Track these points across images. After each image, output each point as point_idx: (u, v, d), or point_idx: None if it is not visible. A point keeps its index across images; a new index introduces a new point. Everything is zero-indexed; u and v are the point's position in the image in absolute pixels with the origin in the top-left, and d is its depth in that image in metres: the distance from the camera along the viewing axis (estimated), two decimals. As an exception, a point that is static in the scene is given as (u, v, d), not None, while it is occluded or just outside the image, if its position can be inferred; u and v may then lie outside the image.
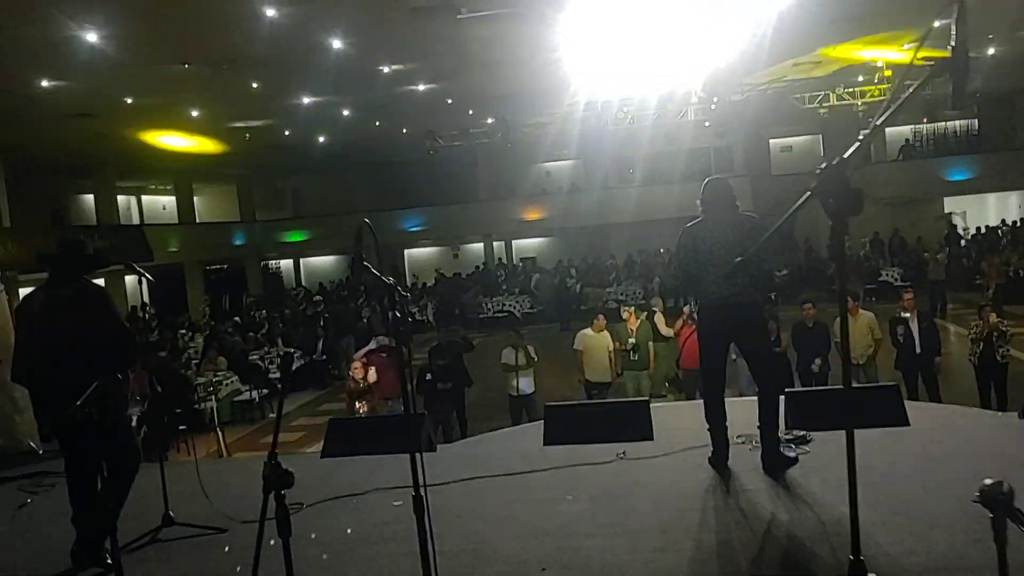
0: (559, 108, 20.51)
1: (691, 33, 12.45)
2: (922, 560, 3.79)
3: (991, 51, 18.43)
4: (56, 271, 4.80)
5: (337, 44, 13.26)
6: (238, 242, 31.84)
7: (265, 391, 15.87)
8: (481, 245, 33.28)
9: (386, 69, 15.54)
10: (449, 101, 19.20)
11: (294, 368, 18.15)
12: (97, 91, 15.01)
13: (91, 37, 11.61)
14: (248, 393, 15.57)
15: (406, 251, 35.02)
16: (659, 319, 12.25)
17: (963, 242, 26.87)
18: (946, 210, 30.13)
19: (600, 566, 4.05)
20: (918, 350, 10.38)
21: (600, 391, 11.91)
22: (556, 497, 5.08)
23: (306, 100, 18.12)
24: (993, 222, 28.93)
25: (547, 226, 31.27)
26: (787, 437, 5.69)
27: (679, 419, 7.04)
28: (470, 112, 21.50)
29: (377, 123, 21.71)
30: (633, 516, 4.66)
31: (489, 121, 22.63)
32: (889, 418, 5.92)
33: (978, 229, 28.26)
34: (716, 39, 12.61)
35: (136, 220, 31.40)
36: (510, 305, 25.35)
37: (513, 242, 33.61)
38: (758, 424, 5.32)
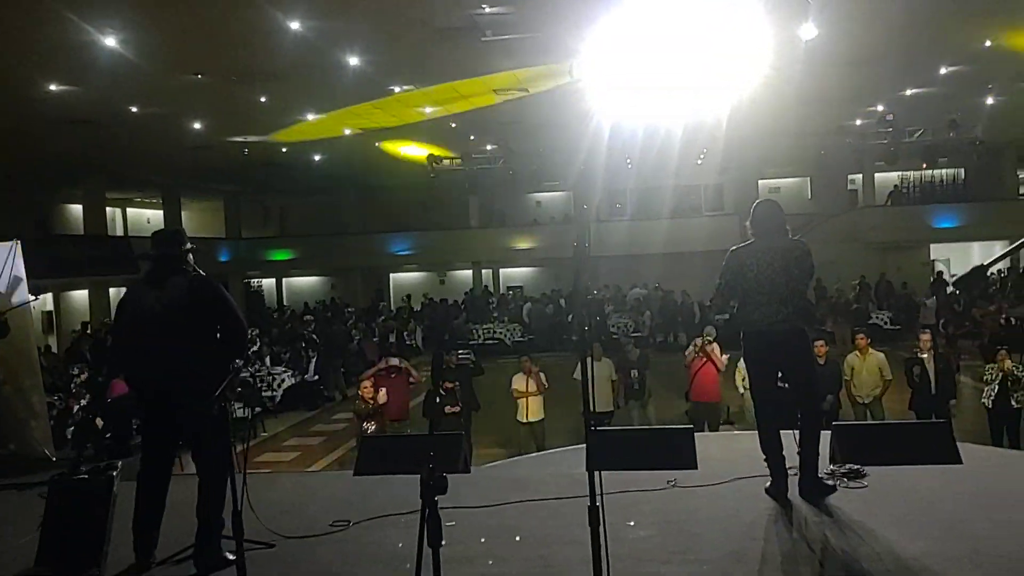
0: (561, 138, 20.56)
1: (710, 71, 12.51)
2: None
3: (989, 100, 18.71)
4: (161, 266, 4.65)
5: (354, 61, 13.19)
6: (222, 259, 31.45)
7: (258, 409, 15.61)
8: (467, 272, 33.19)
9: (397, 89, 15.48)
10: (453, 125, 19.16)
11: (284, 387, 17.93)
12: (105, 99, 14.82)
13: (109, 41, 11.45)
14: (242, 411, 15.27)
15: (392, 275, 34.85)
16: (715, 349, 12.22)
17: (949, 288, 27.11)
18: (931, 256, 30.52)
19: (685, 594, 3.94)
20: (933, 391, 10.37)
21: (601, 421, 11.80)
22: (616, 522, 4.90)
23: (310, 117, 18.00)
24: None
25: (537, 256, 31.25)
26: (841, 471, 5.61)
27: (714, 449, 6.97)
28: (471, 137, 21.49)
29: (377, 144, 21.62)
30: (704, 544, 4.56)
31: (488, 147, 22.62)
32: (941, 455, 5.86)
33: (964, 277, 28.55)
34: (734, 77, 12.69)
35: (120, 232, 31.03)
36: (501, 332, 25.22)
37: (501, 270, 33.54)
38: (797, 451, 5.26)
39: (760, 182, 32.18)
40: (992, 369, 10.69)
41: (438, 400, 11.20)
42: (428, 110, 17.22)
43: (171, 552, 4.61)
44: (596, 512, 3.13)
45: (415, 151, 22.87)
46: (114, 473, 4.50)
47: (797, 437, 5.28)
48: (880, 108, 19.48)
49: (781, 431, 5.34)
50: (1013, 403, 10.33)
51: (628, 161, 23.13)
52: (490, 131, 20.54)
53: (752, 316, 5.41)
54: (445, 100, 16.22)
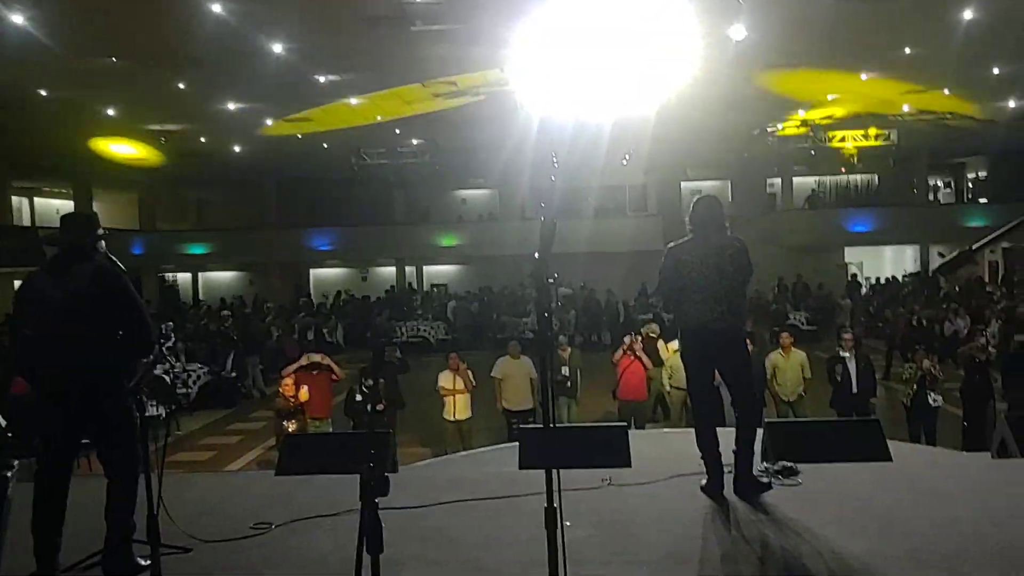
0: (488, 135, 20.42)
1: (639, 67, 12.48)
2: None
3: (905, 107, 19.24)
4: (68, 251, 4.30)
5: (278, 49, 12.82)
6: (136, 252, 30.38)
7: (172, 407, 15.05)
8: (390, 269, 32.79)
9: (322, 79, 15.11)
10: (379, 118, 18.82)
11: (200, 385, 17.37)
12: (11, 80, 14.10)
13: (17, 19, 10.86)
14: (155, 408, 14.69)
15: (313, 271, 34.17)
16: (661, 344, 12.21)
17: (863, 290, 27.93)
18: (846, 259, 31.38)
19: (627, 596, 3.82)
20: (855, 390, 10.56)
21: (521, 418, 11.68)
22: (553, 522, 4.81)
23: (231, 106, 17.47)
24: (888, 274, 30.22)
25: (462, 254, 31.05)
26: (775, 468, 5.58)
27: (646, 447, 6.89)
28: (396, 131, 21.17)
29: (300, 135, 21.12)
30: (644, 545, 4.44)
31: (414, 142, 22.32)
32: (872, 453, 5.88)
33: (877, 279, 29.46)
34: (664, 73, 12.68)
35: (27, 223, 29.71)
36: (424, 330, 24.94)
37: (424, 268, 33.21)
38: (734, 448, 5.20)
39: (683, 184, 32.61)
40: (911, 368, 10.93)
41: (360, 398, 10.94)
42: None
43: (78, 558, 4.28)
44: (553, 513, 2.96)
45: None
46: (8, 474, 4.14)
47: (734, 435, 5.23)
48: (802, 112, 19.86)
49: (715, 429, 5.29)
50: (930, 401, 10.57)
51: (554, 159, 23.09)
52: (416, 126, 20.29)
53: (689, 313, 5.33)
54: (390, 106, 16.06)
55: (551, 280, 3.15)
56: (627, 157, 26.14)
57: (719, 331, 5.25)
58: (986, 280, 27.08)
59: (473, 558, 4.36)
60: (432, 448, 11.89)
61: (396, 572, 4.12)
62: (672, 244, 5.53)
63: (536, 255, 3.16)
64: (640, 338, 12.28)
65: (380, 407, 10.92)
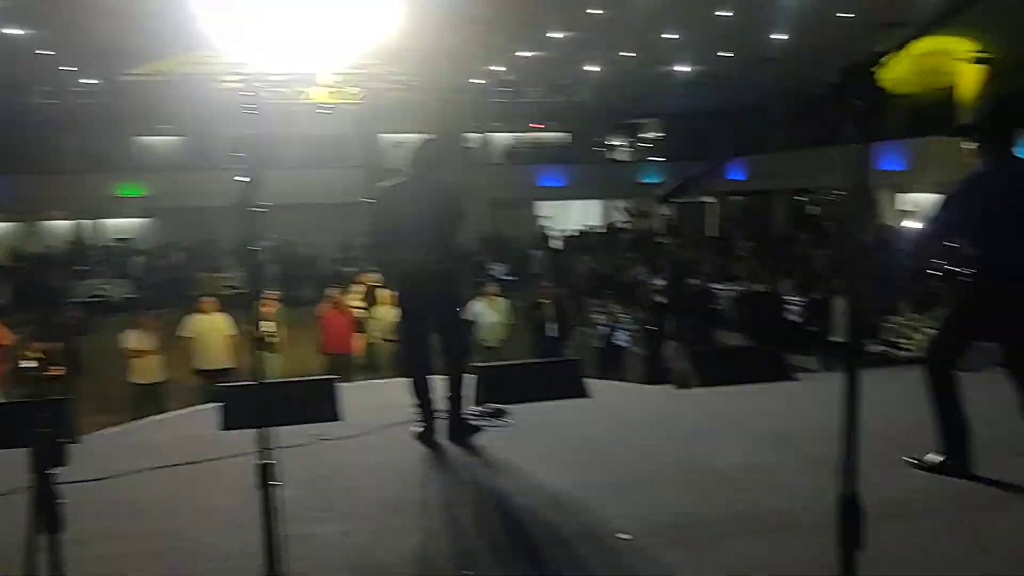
0: (171, 75, 18.92)
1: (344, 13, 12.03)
2: (680, 518, 3.89)
3: (595, 68, 20.35)
4: None
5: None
6: None
7: None
8: (64, 223, 29.57)
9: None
10: (53, 53, 16.70)
11: None
12: None
13: None
14: None
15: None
16: (383, 293, 11.92)
17: (553, 243, 29.55)
18: (538, 213, 32.98)
19: (344, 551, 3.65)
20: (554, 334, 11.09)
21: (217, 378, 11.06)
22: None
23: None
24: (576, 227, 32.21)
25: (147, 206, 28.69)
26: (486, 411, 5.65)
27: (356, 399, 6.72)
28: (71, 68, 18.95)
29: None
30: (360, 498, 4.29)
31: (93, 82, 20.12)
32: (571, 391, 6.15)
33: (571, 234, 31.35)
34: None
35: None
36: (106, 289, 22.83)
37: (105, 221, 30.30)
38: (447, 395, 5.21)
39: (383, 136, 32.34)
40: (600, 313, 11.69)
41: (35, 364, 9.78)
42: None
43: None
44: (265, 471, 2.70)
45: None
46: None
47: (446, 381, 5.21)
48: (502, 68, 20.36)
49: (428, 376, 5.25)
50: (618, 342, 11.38)
51: (252, 108, 21.95)
52: (90, 61, 18.25)
53: (405, 257, 5.20)
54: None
55: (262, 210, 2.85)
56: (330, 108, 25.55)
57: (434, 274, 5.17)
58: (659, 232, 29.69)
59: (169, 529, 3.97)
60: (120, 415, 10.90)
61: (79, 551, 3.63)
62: (386, 184, 5.35)
63: (244, 178, 2.83)
64: (364, 287, 12.09)
65: (56, 372, 9.86)
